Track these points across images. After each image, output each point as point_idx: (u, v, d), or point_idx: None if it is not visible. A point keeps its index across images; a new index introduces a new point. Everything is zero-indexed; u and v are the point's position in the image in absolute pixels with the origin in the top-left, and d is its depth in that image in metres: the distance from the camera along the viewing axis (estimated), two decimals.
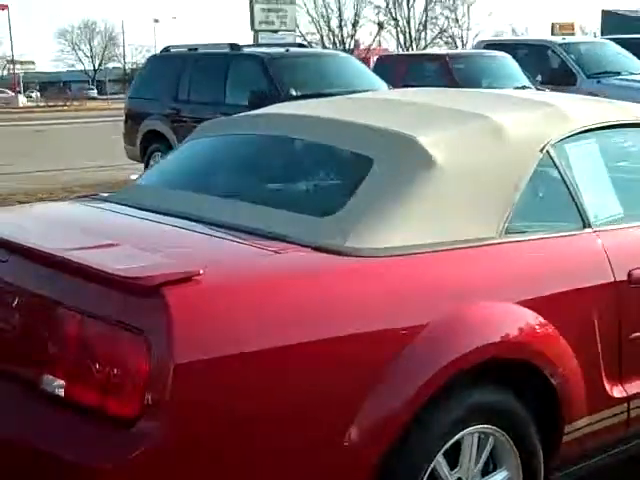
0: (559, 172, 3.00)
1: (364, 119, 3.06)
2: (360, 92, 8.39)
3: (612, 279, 2.93)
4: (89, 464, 2.08)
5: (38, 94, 65.54)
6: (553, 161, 3.00)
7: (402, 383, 2.36)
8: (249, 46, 10.79)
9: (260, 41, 26.64)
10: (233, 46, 10.38)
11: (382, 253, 2.49)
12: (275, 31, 30.14)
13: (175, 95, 10.59)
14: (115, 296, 2.15)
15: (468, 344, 2.49)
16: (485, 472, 2.70)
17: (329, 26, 45.66)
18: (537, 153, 2.95)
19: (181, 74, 10.56)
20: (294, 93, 9.52)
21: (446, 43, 54.31)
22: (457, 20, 49.16)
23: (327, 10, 45.50)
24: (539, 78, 12.62)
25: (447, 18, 47.93)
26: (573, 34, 41.71)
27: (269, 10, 27.31)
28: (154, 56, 12.07)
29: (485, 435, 2.64)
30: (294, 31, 32.19)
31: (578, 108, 3.35)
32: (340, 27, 45.86)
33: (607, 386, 2.93)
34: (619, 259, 2.97)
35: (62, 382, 2.22)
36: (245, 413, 2.17)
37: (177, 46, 11.32)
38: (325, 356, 2.28)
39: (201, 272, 2.16)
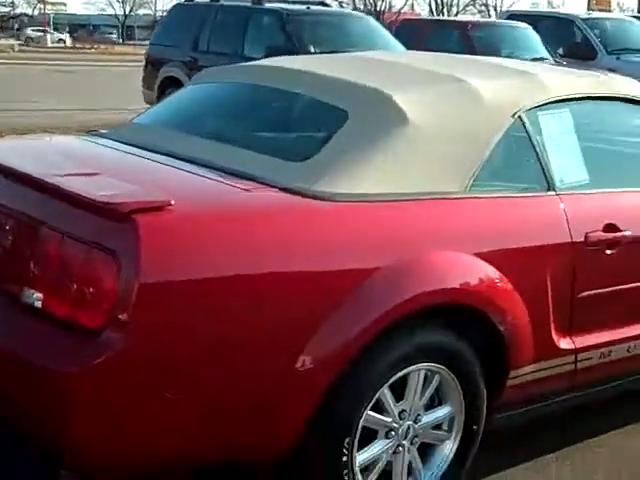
0: (529, 137, 3.18)
1: (347, 75, 3.24)
2: None
3: (569, 240, 3.12)
4: (58, 368, 2.30)
5: (67, 35, 65.70)
6: (525, 127, 3.17)
7: (353, 318, 2.56)
8: (271, 1, 10.92)
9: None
10: (255, 0, 10.52)
11: (345, 198, 2.68)
12: None
13: (195, 44, 10.76)
14: (92, 219, 2.37)
15: (419, 287, 2.69)
16: (430, 406, 2.93)
17: None
18: (509, 118, 3.13)
19: (202, 24, 10.71)
20: (312, 50, 9.64)
21: (479, 11, 53.77)
22: None
23: None
24: (560, 51, 12.67)
25: None
26: (610, 10, 41.05)
27: None
28: (178, 5, 12.22)
29: (431, 372, 2.85)
30: None
31: (556, 79, 3.52)
32: None
33: (555, 338, 3.13)
34: (578, 222, 3.16)
35: (40, 295, 2.43)
36: (205, 334, 2.39)
37: None
38: (280, 288, 2.48)
39: (172, 202, 2.38)
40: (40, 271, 2.48)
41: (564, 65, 11.24)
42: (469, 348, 2.90)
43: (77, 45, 53.30)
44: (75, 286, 2.37)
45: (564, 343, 3.18)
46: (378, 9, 45.12)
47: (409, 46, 11.20)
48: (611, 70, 11.56)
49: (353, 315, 2.57)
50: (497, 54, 10.85)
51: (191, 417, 2.42)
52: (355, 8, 45.07)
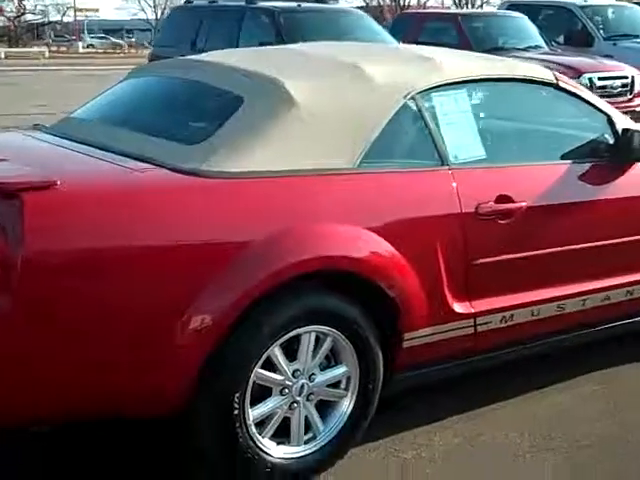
0: (422, 117, 3.41)
1: (254, 66, 3.51)
2: None
3: (459, 211, 3.34)
4: None
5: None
6: (418, 107, 3.41)
7: (237, 282, 2.81)
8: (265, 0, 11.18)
9: None
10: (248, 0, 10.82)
11: (232, 176, 2.94)
12: None
13: (193, 43, 11.04)
14: None
15: (301, 254, 2.93)
16: (327, 366, 3.16)
17: None
18: (400, 99, 3.36)
19: (200, 24, 11.02)
20: None
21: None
22: None
23: None
24: (561, 39, 12.81)
25: None
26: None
27: None
28: (178, 7, 12.52)
29: (323, 335, 3.08)
30: None
31: (452, 62, 3.74)
32: None
33: (451, 302, 3.35)
34: (469, 195, 3.38)
35: None
36: (87, 298, 2.65)
37: None
38: (163, 259, 2.74)
39: (58, 182, 2.65)
40: None
41: (558, 52, 11.40)
42: (360, 312, 3.13)
43: (108, 50, 54.51)
44: None
45: (461, 307, 3.40)
46: (401, 3, 45.24)
47: (405, 39, 11.43)
48: (607, 56, 11.70)
49: (237, 279, 2.82)
50: (490, 43, 11.07)
51: (77, 373, 2.68)
52: (380, 3, 45.26)
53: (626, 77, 10.49)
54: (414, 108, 3.41)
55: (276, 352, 2.99)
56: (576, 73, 10.04)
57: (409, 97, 3.38)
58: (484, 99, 3.73)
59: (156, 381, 2.78)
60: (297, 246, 2.95)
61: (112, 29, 78.70)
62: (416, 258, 3.22)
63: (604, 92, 10.16)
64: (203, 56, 3.98)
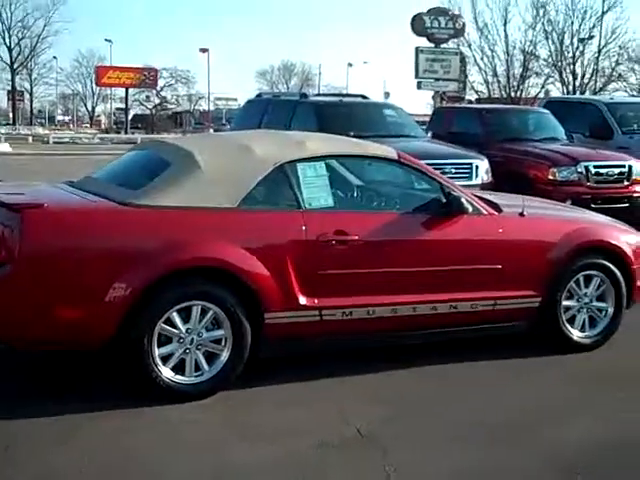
0: (287, 178, 5.37)
1: (182, 144, 5.66)
2: (394, 137, 10.66)
3: (304, 238, 5.26)
4: None
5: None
6: (284, 171, 5.37)
7: (144, 270, 4.82)
8: (317, 95, 13.29)
9: (422, 88, 28.93)
10: (302, 95, 13.04)
11: (152, 207, 4.98)
12: (437, 79, 32.11)
13: (258, 128, 13.29)
14: (7, 213, 4.79)
15: (184, 255, 4.93)
16: (212, 328, 5.08)
17: (496, 75, 47.59)
18: (271, 166, 5.35)
19: (264, 113, 13.21)
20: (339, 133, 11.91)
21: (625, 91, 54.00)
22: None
23: (494, 61, 47.31)
24: (587, 132, 14.27)
25: (615, 69, 48.03)
26: None
27: (433, 60, 29.15)
28: (248, 100, 14.91)
29: (207, 308, 5.03)
30: (456, 81, 34.01)
31: (314, 143, 5.74)
32: (507, 77, 47.65)
33: (300, 297, 5.22)
34: (313, 227, 5.29)
35: None
36: (55, 270, 4.70)
37: (267, 93, 14.09)
38: (100, 251, 4.80)
39: (45, 204, 4.76)
40: None
41: (568, 144, 12.95)
42: (231, 295, 5.05)
43: None
44: None
45: (309, 301, 5.26)
46: (512, 96, 47.18)
47: (442, 128, 13.37)
48: (623, 148, 13.19)
49: (147, 266, 4.83)
50: (507, 134, 12.79)
51: (51, 311, 4.72)
52: (489, 95, 47.25)
53: (623, 166, 11.90)
54: (281, 172, 5.37)
55: (174, 315, 4.96)
56: (573, 161, 11.60)
57: (278, 165, 5.36)
58: (338, 168, 5.70)
59: (93, 322, 4.80)
60: (184, 250, 4.95)
61: None
62: (273, 266, 5.13)
63: (600, 179, 11.67)
64: (167, 138, 6.12)
